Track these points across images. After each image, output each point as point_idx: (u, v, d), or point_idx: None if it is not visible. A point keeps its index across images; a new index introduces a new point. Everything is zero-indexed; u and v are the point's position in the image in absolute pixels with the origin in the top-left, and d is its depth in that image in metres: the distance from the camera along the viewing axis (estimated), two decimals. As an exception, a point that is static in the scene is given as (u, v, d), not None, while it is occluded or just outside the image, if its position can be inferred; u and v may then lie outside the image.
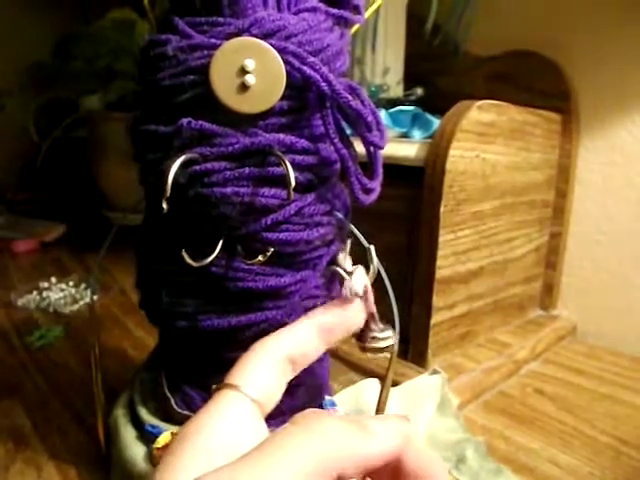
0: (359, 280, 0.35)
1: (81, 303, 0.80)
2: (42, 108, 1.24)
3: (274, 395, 0.30)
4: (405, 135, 0.68)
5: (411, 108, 0.68)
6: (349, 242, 0.39)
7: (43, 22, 1.33)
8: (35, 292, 0.83)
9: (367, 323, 0.37)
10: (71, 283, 0.86)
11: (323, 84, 0.33)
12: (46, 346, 0.68)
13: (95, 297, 0.80)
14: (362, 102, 0.36)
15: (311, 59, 0.33)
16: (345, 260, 0.38)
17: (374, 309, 0.37)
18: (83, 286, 0.86)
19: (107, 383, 0.47)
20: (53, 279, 0.87)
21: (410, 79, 0.84)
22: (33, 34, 1.32)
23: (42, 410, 0.55)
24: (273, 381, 0.30)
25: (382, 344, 0.37)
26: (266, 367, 0.30)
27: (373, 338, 0.37)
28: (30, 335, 0.70)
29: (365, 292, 0.35)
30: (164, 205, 0.31)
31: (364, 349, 0.38)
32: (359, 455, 0.24)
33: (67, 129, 1.15)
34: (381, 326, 0.38)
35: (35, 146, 1.21)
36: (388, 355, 0.38)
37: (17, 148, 1.32)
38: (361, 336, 0.38)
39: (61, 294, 0.82)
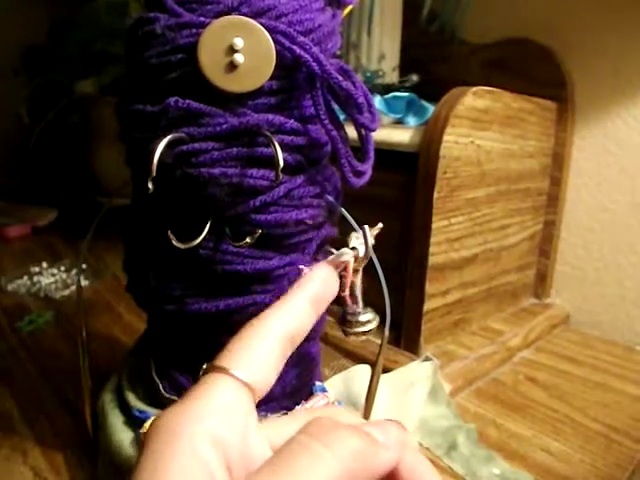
0: (338, 262, 0.34)
1: (72, 288, 0.80)
2: (35, 92, 1.23)
3: (269, 377, 0.28)
4: (400, 121, 0.68)
5: (406, 94, 0.68)
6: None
7: (36, 5, 1.32)
8: (26, 277, 0.82)
9: (350, 306, 0.37)
10: (62, 268, 0.86)
11: (313, 64, 0.32)
12: (36, 331, 0.67)
13: (82, 279, 0.80)
14: (353, 83, 0.35)
15: (301, 39, 0.33)
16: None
17: (359, 292, 0.37)
18: (74, 271, 0.85)
19: (97, 368, 0.46)
20: (44, 264, 0.86)
21: (406, 66, 0.84)
22: (26, 18, 1.30)
23: (31, 396, 0.54)
24: (270, 362, 0.28)
25: (363, 328, 0.37)
26: (264, 347, 0.28)
27: (355, 322, 0.37)
28: (20, 320, 0.69)
29: (346, 271, 0.35)
30: (150, 185, 0.31)
31: (346, 332, 0.38)
32: (372, 469, 0.24)
33: (60, 113, 1.14)
34: (362, 309, 0.37)
35: (28, 131, 1.20)
36: (370, 339, 0.37)
37: (9, 132, 1.30)
38: (343, 319, 0.38)
39: (52, 279, 0.82)
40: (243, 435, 0.25)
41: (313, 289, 0.32)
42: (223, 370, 0.26)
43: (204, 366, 0.27)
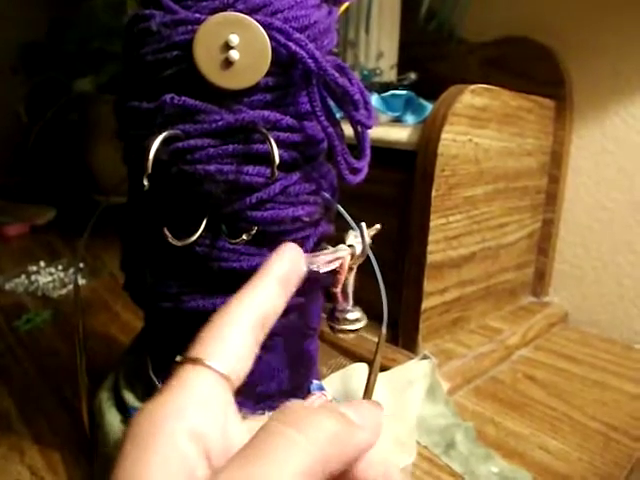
0: (333, 258, 0.34)
1: (70, 287, 0.79)
2: (34, 91, 1.22)
3: (245, 365, 0.27)
4: (398, 119, 0.68)
5: (404, 92, 0.68)
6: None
7: (35, 4, 1.31)
8: (24, 276, 0.82)
9: (340, 303, 0.37)
10: (60, 267, 0.85)
11: (309, 61, 0.32)
12: (34, 330, 0.67)
13: (80, 278, 0.80)
14: (350, 80, 0.35)
15: (297, 35, 0.33)
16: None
17: (350, 290, 0.37)
18: (72, 270, 0.85)
19: (94, 367, 0.46)
20: (42, 263, 0.86)
21: (404, 64, 0.84)
22: (25, 16, 1.30)
23: (28, 394, 0.54)
24: (245, 349, 0.27)
25: (351, 326, 0.37)
26: (236, 333, 0.27)
27: (343, 319, 0.37)
28: (18, 319, 0.69)
29: (340, 268, 0.35)
30: (145, 182, 0.31)
31: (333, 329, 0.38)
32: (348, 452, 0.23)
33: (58, 112, 1.13)
34: (352, 307, 0.37)
35: (26, 129, 1.20)
36: (368, 337, 0.37)
37: (7, 131, 1.30)
38: (332, 315, 0.38)
39: (50, 278, 0.81)
40: (223, 427, 0.24)
41: (282, 269, 0.30)
42: (198, 361, 0.25)
43: (177, 358, 0.27)
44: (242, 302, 0.28)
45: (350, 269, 0.36)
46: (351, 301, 0.37)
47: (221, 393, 0.25)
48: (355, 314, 0.37)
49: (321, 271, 0.34)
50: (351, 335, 0.38)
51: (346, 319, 0.37)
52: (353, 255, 0.35)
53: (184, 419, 0.23)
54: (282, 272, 0.30)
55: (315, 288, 0.39)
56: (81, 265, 0.85)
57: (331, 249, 0.36)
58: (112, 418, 0.42)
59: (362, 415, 0.25)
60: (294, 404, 0.24)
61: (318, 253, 0.35)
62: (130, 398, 0.41)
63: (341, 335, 0.38)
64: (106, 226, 0.43)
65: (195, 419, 0.23)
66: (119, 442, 0.23)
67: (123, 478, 0.21)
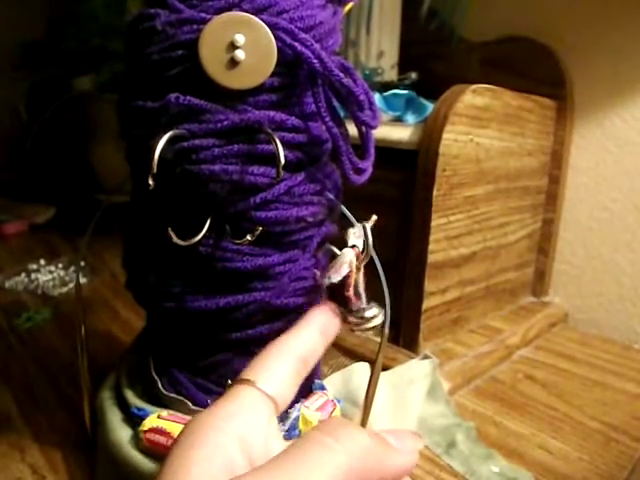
0: (342, 265, 0.35)
1: (70, 286, 0.79)
2: (34, 88, 1.22)
3: (288, 394, 0.30)
4: (399, 119, 0.68)
5: (405, 92, 0.68)
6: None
7: (35, 1, 1.31)
8: (23, 274, 0.82)
9: (354, 303, 0.37)
10: (60, 265, 0.85)
11: (315, 61, 0.32)
12: (34, 329, 0.67)
13: (81, 277, 0.80)
14: (354, 81, 0.35)
15: (303, 35, 0.33)
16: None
17: (362, 289, 0.37)
18: (72, 268, 0.85)
19: (95, 366, 0.46)
20: (42, 261, 0.86)
21: (405, 63, 0.84)
22: (25, 13, 1.29)
23: (29, 393, 0.54)
24: (289, 379, 0.30)
25: (369, 324, 0.37)
26: (282, 365, 0.30)
27: (361, 318, 0.37)
28: (18, 317, 0.69)
29: (350, 272, 0.35)
30: (150, 182, 0.31)
31: (353, 329, 0.38)
32: (383, 469, 0.24)
33: (58, 110, 1.13)
34: (367, 305, 0.37)
35: (26, 127, 1.20)
36: (370, 337, 0.38)
37: (7, 129, 1.30)
38: (350, 317, 0.38)
39: (50, 276, 0.81)
40: (265, 438, 0.26)
41: (322, 320, 0.35)
42: (249, 382, 0.28)
43: (229, 381, 0.30)
44: (289, 341, 0.32)
45: (357, 269, 0.35)
46: (364, 299, 0.37)
47: (266, 410, 0.27)
48: (372, 311, 0.37)
49: (336, 281, 0.35)
50: (370, 332, 0.38)
51: (364, 317, 0.37)
52: (358, 255, 0.35)
53: (231, 423, 0.25)
54: (322, 323, 0.34)
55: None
56: (82, 263, 0.85)
57: (337, 253, 0.36)
58: (113, 417, 0.42)
59: (401, 441, 0.26)
60: (334, 418, 0.27)
61: (329, 266, 0.36)
62: (132, 397, 0.41)
63: (361, 333, 0.38)
64: (107, 225, 0.43)
65: (241, 425, 0.25)
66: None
67: (168, 472, 0.23)
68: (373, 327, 0.37)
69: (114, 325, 0.68)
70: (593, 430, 0.53)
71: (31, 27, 1.21)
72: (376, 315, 0.37)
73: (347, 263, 0.35)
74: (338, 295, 0.36)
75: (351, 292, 0.35)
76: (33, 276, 0.81)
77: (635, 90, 0.72)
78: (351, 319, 0.37)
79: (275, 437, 0.27)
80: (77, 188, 1.24)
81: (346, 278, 0.35)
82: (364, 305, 0.37)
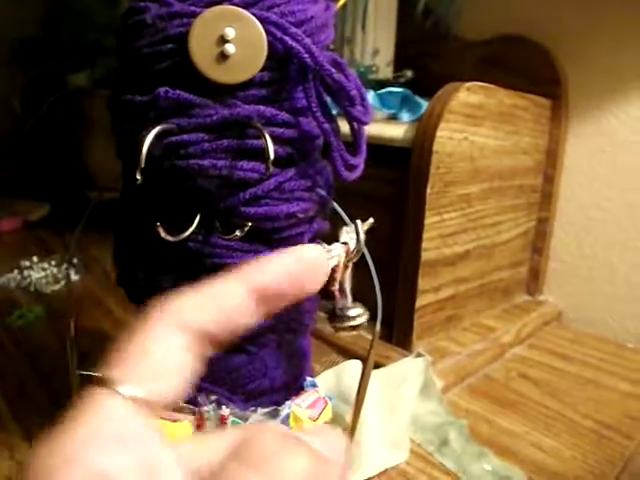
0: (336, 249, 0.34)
1: (62, 283, 0.79)
2: (29, 84, 1.22)
3: (174, 381, 0.20)
4: (393, 117, 0.68)
5: (400, 90, 0.67)
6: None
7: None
8: (16, 271, 0.82)
9: (339, 300, 0.36)
10: (53, 262, 0.85)
11: (305, 56, 0.32)
12: (26, 326, 0.67)
13: (73, 274, 0.79)
14: (346, 76, 0.35)
15: (293, 30, 0.32)
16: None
17: (348, 287, 0.37)
18: (65, 266, 0.84)
19: (86, 364, 0.46)
20: (35, 258, 0.86)
21: (400, 61, 0.83)
22: (20, 9, 1.29)
23: (19, 391, 0.54)
24: (173, 364, 0.20)
25: (352, 322, 0.37)
26: (163, 344, 0.20)
27: (344, 317, 0.37)
28: (9, 315, 0.69)
29: (336, 266, 0.35)
30: (138, 177, 0.30)
31: (335, 328, 0.38)
32: None
33: (53, 106, 1.13)
34: (352, 304, 0.37)
35: (19, 123, 1.19)
36: (362, 334, 0.37)
37: (1, 125, 1.29)
38: (332, 314, 0.38)
39: (42, 273, 0.81)
40: (142, 463, 0.18)
41: (263, 279, 0.23)
42: (110, 384, 0.19)
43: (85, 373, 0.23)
44: (178, 304, 0.22)
45: (345, 266, 0.35)
46: (350, 298, 0.37)
47: (137, 424, 0.19)
48: (356, 310, 0.37)
49: None
50: (353, 332, 0.37)
51: (347, 316, 0.36)
52: (348, 252, 0.35)
53: (84, 463, 0.17)
54: (258, 281, 0.23)
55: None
56: (75, 260, 0.85)
57: (326, 247, 0.36)
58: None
59: (329, 444, 0.21)
60: (260, 435, 0.19)
61: None
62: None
63: (344, 333, 0.37)
64: (99, 222, 0.43)
65: (100, 463, 0.17)
66: None
67: None
68: (355, 327, 0.37)
69: (106, 322, 0.68)
70: (586, 428, 0.52)
71: (26, 23, 1.20)
72: (359, 315, 0.37)
73: (334, 257, 0.34)
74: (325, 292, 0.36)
75: (336, 287, 0.35)
76: (26, 273, 0.81)
77: (630, 89, 0.72)
78: (335, 317, 0.37)
79: (157, 455, 0.19)
80: (72, 185, 1.23)
81: (332, 272, 0.35)
82: (349, 304, 0.37)
